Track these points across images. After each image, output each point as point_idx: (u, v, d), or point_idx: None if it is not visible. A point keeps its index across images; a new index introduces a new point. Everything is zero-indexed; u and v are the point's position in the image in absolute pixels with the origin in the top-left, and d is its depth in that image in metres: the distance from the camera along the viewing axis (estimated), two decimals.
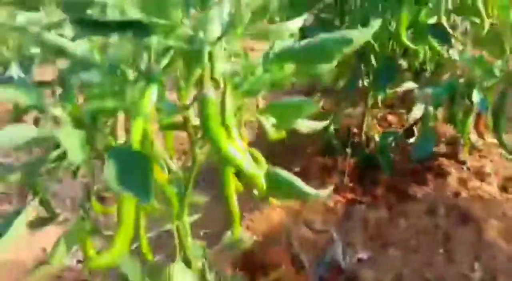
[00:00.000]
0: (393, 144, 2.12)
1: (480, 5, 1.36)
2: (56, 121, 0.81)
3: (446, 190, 1.93)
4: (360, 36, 0.74)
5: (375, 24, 0.79)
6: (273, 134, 0.82)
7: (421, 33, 1.56)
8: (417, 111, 1.97)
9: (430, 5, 1.59)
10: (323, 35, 0.76)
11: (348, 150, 2.08)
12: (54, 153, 0.85)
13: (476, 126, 1.88)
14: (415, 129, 2.12)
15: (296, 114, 0.82)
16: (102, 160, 0.78)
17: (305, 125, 0.92)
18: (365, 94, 2.07)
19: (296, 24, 1.14)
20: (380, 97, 2.18)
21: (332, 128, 2.05)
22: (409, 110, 2.26)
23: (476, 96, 1.50)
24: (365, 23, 1.70)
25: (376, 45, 1.80)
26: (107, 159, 0.63)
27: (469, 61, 1.59)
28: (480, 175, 2.03)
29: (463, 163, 2.09)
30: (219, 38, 0.58)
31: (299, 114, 0.84)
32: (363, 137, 2.13)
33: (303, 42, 0.77)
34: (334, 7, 1.88)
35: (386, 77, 1.70)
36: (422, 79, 2.13)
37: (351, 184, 2.04)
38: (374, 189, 2.00)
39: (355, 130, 2.20)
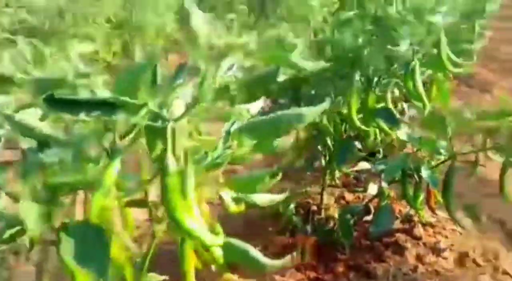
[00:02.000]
0: (352, 222, 2.18)
1: (422, 92, 1.50)
2: (16, 197, 0.81)
3: (404, 266, 1.96)
4: (310, 113, 0.81)
5: (325, 104, 0.87)
6: (233, 208, 0.85)
7: (370, 117, 1.68)
8: (372, 189, 2.06)
9: (377, 91, 1.74)
10: (278, 112, 0.83)
11: (308, 228, 2.11)
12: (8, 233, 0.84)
13: (427, 202, 1.97)
14: (371, 206, 2.20)
15: (254, 188, 0.86)
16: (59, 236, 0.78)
17: (264, 199, 0.96)
18: (323, 173, 2.15)
19: (256, 106, 1.23)
20: (337, 176, 2.28)
21: (292, 206, 2.09)
22: (365, 189, 2.36)
23: (424, 172, 1.60)
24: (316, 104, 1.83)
25: (331, 127, 1.92)
26: (64, 235, 0.65)
27: (417, 141, 1.71)
28: (436, 250, 2.09)
29: (419, 238, 2.15)
30: (181, 116, 0.63)
31: (258, 188, 0.88)
32: (323, 214, 2.18)
33: (261, 118, 0.84)
34: (291, 92, 2.02)
35: (341, 157, 1.79)
36: (376, 159, 2.25)
37: (312, 262, 2.05)
38: (335, 266, 2.01)
39: (314, 208, 2.26)
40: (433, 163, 1.83)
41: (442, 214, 2.20)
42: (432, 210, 2.02)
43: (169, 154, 0.62)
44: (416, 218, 2.26)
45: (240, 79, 0.69)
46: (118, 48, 4.41)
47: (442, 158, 1.79)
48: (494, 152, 1.76)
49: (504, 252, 2.29)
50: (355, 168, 2.32)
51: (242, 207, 0.90)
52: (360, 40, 1.62)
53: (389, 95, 1.81)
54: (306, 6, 2.79)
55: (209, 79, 0.63)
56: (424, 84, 2.10)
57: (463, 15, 1.42)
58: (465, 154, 1.79)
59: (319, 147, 2.07)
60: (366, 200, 2.19)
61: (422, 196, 1.91)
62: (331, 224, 2.15)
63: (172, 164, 0.63)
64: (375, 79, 1.69)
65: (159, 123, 0.62)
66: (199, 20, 0.59)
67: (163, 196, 0.64)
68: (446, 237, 2.22)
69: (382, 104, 1.80)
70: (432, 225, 2.25)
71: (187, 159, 0.66)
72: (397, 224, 2.24)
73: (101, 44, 3.88)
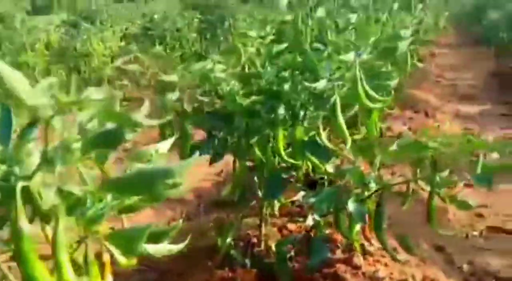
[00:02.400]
0: (292, 252, 2.16)
1: (343, 127, 1.52)
2: None
3: None
4: (180, 168, 0.79)
5: (193, 159, 0.85)
6: (123, 262, 0.80)
7: (299, 149, 1.69)
8: (311, 220, 2.04)
9: (306, 124, 1.75)
10: (145, 167, 0.80)
11: (248, 261, 2.07)
12: None
13: (363, 232, 1.97)
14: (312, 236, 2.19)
15: (140, 241, 0.82)
16: None
17: (161, 250, 0.92)
18: (260, 204, 2.13)
19: (165, 145, 1.19)
20: (276, 207, 2.26)
21: (229, 240, 2.05)
22: (305, 218, 2.34)
23: (351, 206, 1.60)
24: (249, 140, 1.82)
25: (264, 159, 1.91)
26: None
27: (346, 172, 1.72)
28: (375, 279, 2.09)
29: (359, 268, 2.14)
30: (33, 173, 0.59)
31: (145, 240, 0.84)
32: (262, 247, 2.15)
33: (127, 173, 0.81)
34: (225, 124, 2.00)
35: (274, 189, 1.78)
36: (315, 189, 2.25)
37: None
38: None
39: (254, 240, 2.22)
40: (367, 193, 1.85)
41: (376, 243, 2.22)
42: (368, 240, 2.02)
43: (21, 215, 0.58)
44: (358, 247, 2.26)
45: (85, 137, 0.66)
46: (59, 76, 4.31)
47: (372, 189, 1.80)
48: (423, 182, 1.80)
49: (443, 278, 2.32)
50: (295, 198, 2.31)
51: (133, 261, 0.85)
52: (284, 73, 1.63)
53: (321, 128, 1.82)
54: (244, 37, 2.82)
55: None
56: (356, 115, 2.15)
57: (378, 53, 1.46)
58: (395, 184, 1.82)
59: (255, 178, 2.06)
60: (307, 230, 2.18)
61: (357, 226, 1.91)
62: (271, 256, 2.12)
63: (25, 226, 0.59)
64: (302, 112, 1.70)
65: (9, 182, 0.58)
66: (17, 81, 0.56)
67: (17, 261, 0.60)
68: (386, 265, 2.22)
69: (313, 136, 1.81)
70: (371, 254, 2.25)
71: (58, 217, 0.62)
72: (338, 254, 2.24)
73: (40, 72, 3.78)
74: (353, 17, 2.83)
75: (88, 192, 0.77)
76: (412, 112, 5.44)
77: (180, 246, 0.97)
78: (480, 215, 3.20)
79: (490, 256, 2.65)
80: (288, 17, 2.94)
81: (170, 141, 1.19)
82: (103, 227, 0.79)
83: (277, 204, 2.22)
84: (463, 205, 1.71)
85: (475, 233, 2.97)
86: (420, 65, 3.82)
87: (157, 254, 0.95)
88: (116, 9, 8.23)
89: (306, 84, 1.51)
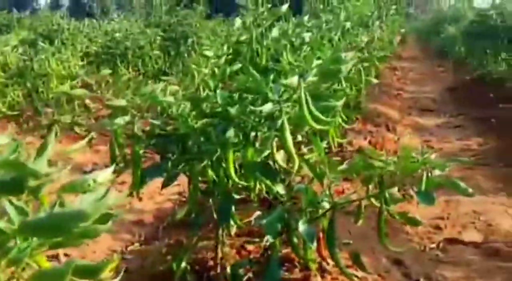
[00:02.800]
0: (250, 274, 2.14)
1: (290, 148, 1.53)
2: None
3: None
4: (96, 210, 0.77)
5: (108, 198, 0.84)
6: None
7: (250, 171, 1.69)
8: (267, 240, 2.03)
9: (257, 145, 1.76)
10: (59, 211, 0.78)
11: None
12: None
13: (318, 251, 1.98)
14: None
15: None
16: None
17: None
18: (216, 226, 2.11)
19: (107, 173, 1.17)
20: (234, 228, 2.24)
21: (184, 264, 2.01)
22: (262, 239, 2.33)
23: (301, 226, 1.61)
24: (201, 162, 1.81)
25: (217, 181, 1.90)
26: None
27: (297, 192, 1.73)
28: None
29: None
30: None
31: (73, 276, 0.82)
32: (218, 270, 2.12)
33: (42, 216, 0.79)
34: (177, 146, 1.98)
35: (226, 210, 1.77)
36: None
37: None
38: None
39: (211, 263, 2.19)
40: (318, 213, 1.86)
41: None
42: (324, 258, 2.03)
43: None
44: (314, 266, 2.26)
45: None
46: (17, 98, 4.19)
47: (324, 208, 1.81)
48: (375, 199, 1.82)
49: None
50: (251, 218, 2.30)
51: None
52: (235, 95, 1.64)
53: (274, 149, 1.82)
54: (202, 57, 2.83)
55: None
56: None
57: (322, 75, 1.49)
58: (347, 203, 1.84)
59: (209, 200, 2.04)
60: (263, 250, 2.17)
61: (311, 245, 1.91)
62: (227, 279, 2.10)
63: None
64: (253, 134, 1.71)
65: None
66: None
67: None
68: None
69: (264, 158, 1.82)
70: (329, 272, 2.25)
71: None
72: (295, 274, 2.23)
73: None
74: (307, 36, 2.88)
75: (9, 231, 0.75)
76: (373, 126, 5.55)
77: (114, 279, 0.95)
78: (438, 227, 3.28)
79: (446, 268, 2.70)
80: (243, 37, 2.96)
81: (110, 170, 1.16)
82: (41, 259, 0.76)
83: (234, 225, 2.20)
84: (412, 221, 1.74)
85: (433, 245, 3.02)
86: (375, 81, 3.92)
87: None
88: (77, 28, 8.11)
89: (251, 107, 1.52)
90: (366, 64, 3.59)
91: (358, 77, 3.34)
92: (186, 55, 6.87)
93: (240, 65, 2.29)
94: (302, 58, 1.91)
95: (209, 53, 2.84)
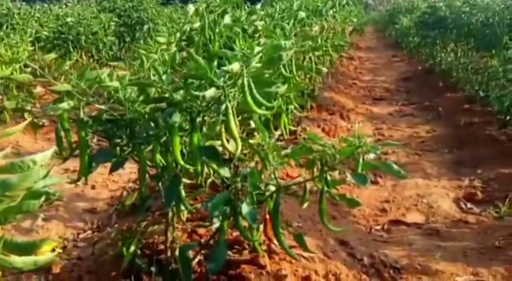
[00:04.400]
0: (200, 257, 2.19)
1: (235, 133, 1.58)
2: None
3: None
4: (22, 181, 0.80)
5: None
6: None
7: (196, 155, 1.73)
8: (215, 223, 2.08)
9: (205, 130, 1.80)
10: None
11: (153, 269, 2.07)
12: None
13: (265, 232, 2.05)
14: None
15: None
16: None
17: (26, 262, 0.91)
18: (165, 211, 2.14)
19: (46, 155, 1.18)
20: (185, 212, 2.28)
21: (133, 248, 2.04)
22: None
23: (244, 208, 1.67)
24: (150, 144, 1.84)
25: (165, 165, 1.92)
26: None
27: (242, 176, 1.78)
28: (279, 277, 2.17)
29: (264, 267, 2.22)
30: None
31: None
32: (169, 253, 2.16)
33: None
34: (126, 131, 1.99)
35: (173, 193, 1.80)
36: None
37: None
38: None
39: (161, 247, 2.23)
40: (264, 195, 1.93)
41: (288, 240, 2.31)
42: (270, 239, 2.10)
43: None
44: (264, 247, 2.34)
45: None
46: None
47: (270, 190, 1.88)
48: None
49: (345, 271, 2.46)
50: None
51: None
52: (180, 81, 1.67)
53: (223, 134, 1.86)
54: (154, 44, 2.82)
55: None
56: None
57: (264, 62, 1.54)
58: (289, 186, 1.91)
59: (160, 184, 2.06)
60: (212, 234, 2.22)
61: (256, 226, 1.98)
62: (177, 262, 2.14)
63: None
64: (199, 119, 1.74)
65: None
66: None
67: None
68: (291, 262, 2.32)
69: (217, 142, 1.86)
70: (277, 253, 2.33)
71: None
72: (244, 255, 2.30)
73: None
74: (260, 25, 2.92)
75: None
76: (327, 114, 5.69)
77: (48, 257, 0.97)
78: (383, 210, 3.43)
79: (389, 248, 2.85)
80: (197, 24, 2.97)
81: (50, 152, 1.17)
82: None
83: (184, 210, 2.24)
84: (351, 202, 1.84)
85: (378, 227, 3.17)
86: (324, 69, 4.02)
87: (24, 267, 0.94)
88: (28, 13, 7.80)
89: (194, 92, 1.55)
90: (318, 53, 3.67)
91: (309, 66, 3.42)
92: (142, 41, 6.76)
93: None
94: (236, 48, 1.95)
95: (161, 39, 2.84)
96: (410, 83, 8.41)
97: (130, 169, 3.38)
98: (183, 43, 3.11)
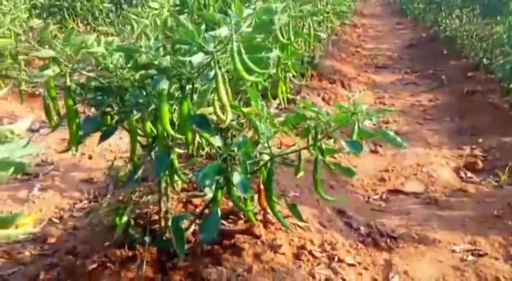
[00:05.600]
0: (195, 227, 2.18)
1: (224, 101, 1.52)
2: None
3: (240, 267, 2.00)
4: None
5: None
6: None
7: (186, 124, 1.67)
8: (208, 193, 2.05)
9: (195, 98, 1.74)
10: None
11: (147, 238, 2.06)
12: None
13: (259, 202, 2.02)
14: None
15: None
16: None
17: (7, 235, 0.88)
18: (158, 181, 2.10)
19: (23, 123, 1.13)
20: (179, 182, 2.24)
21: (125, 218, 2.02)
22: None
23: (236, 178, 1.63)
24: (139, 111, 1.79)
25: (156, 134, 1.88)
26: None
27: (234, 145, 1.74)
28: (274, 247, 2.16)
29: (259, 237, 2.20)
30: None
31: None
32: (163, 223, 2.14)
33: None
34: (115, 99, 1.93)
35: (162, 164, 1.76)
36: None
37: (151, 275, 2.00)
38: (174, 276, 1.98)
39: (155, 217, 2.21)
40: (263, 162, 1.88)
41: (283, 210, 2.28)
42: (264, 209, 2.07)
43: None
44: (259, 217, 2.32)
45: None
46: None
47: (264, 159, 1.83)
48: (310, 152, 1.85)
49: (341, 241, 2.44)
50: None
51: None
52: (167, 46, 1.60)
53: (216, 102, 1.80)
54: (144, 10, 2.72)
55: None
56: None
57: (255, 27, 1.46)
58: (283, 154, 1.87)
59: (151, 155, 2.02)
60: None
61: (249, 195, 1.94)
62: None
63: None
64: (189, 85, 1.68)
65: None
66: None
67: None
68: (286, 232, 2.30)
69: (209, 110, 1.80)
70: (273, 222, 2.31)
71: None
72: (239, 225, 2.28)
73: None
74: None
75: None
76: (328, 82, 5.59)
77: (22, 231, 0.94)
78: (382, 179, 3.40)
79: (386, 217, 2.83)
80: None
81: (28, 121, 1.13)
82: None
83: (178, 179, 2.20)
84: (347, 172, 1.79)
85: (376, 196, 3.15)
86: (323, 35, 3.90)
87: (6, 239, 0.91)
88: None
89: (180, 58, 1.48)
90: (317, 19, 3.55)
91: (308, 32, 3.32)
92: (140, 8, 6.58)
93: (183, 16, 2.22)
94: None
95: (154, 4, 2.74)
96: (414, 50, 8.24)
97: (127, 139, 3.35)
98: (177, 8, 3.01)
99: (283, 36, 2.79)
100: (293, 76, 3.43)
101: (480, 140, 4.01)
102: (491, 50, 5.39)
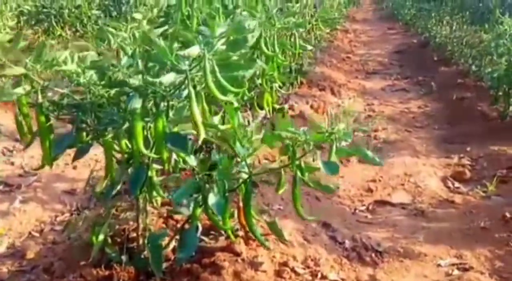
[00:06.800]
0: (175, 243, 2.13)
1: (197, 119, 1.48)
2: None
3: None
4: None
5: None
6: None
7: (161, 142, 1.63)
8: (185, 212, 2.01)
9: (171, 115, 1.70)
10: None
11: (124, 257, 2.01)
12: None
13: (238, 219, 1.98)
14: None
15: None
16: None
17: None
18: (135, 197, 2.06)
19: None
20: (157, 198, 2.20)
21: (102, 236, 1.97)
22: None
23: (211, 198, 1.59)
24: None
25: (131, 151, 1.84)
26: None
27: (210, 163, 1.70)
28: (254, 264, 2.12)
29: (239, 254, 2.16)
30: None
31: None
32: (140, 241, 2.09)
33: None
34: (91, 115, 1.89)
35: (138, 181, 1.72)
36: None
37: None
38: None
39: (133, 234, 2.16)
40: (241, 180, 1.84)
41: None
42: (243, 226, 2.03)
43: None
44: (241, 233, 2.27)
45: None
46: None
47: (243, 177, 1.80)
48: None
49: (325, 256, 2.40)
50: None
51: None
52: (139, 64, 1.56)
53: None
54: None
55: None
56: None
57: (229, 45, 1.43)
58: (261, 173, 1.83)
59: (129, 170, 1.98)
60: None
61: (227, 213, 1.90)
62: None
63: None
64: (163, 103, 1.64)
65: None
66: None
67: None
68: (268, 249, 2.26)
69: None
70: (254, 239, 2.27)
71: None
72: (220, 242, 2.24)
73: None
74: None
75: None
76: (318, 89, 5.57)
77: None
78: (369, 190, 3.37)
79: (372, 230, 2.79)
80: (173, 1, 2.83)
81: None
82: None
83: (157, 195, 2.16)
84: (326, 189, 1.76)
85: (363, 207, 3.12)
86: (309, 47, 3.88)
87: None
88: None
89: (149, 78, 1.45)
90: (302, 29, 3.53)
91: (293, 42, 3.29)
92: (128, 16, 6.54)
93: (163, 29, 2.18)
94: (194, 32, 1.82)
95: (138, 15, 2.70)
96: (405, 56, 8.25)
97: None
98: (161, 20, 2.98)
99: (267, 48, 2.76)
100: (280, 87, 3.41)
101: (468, 148, 4.00)
102: (480, 57, 5.40)
